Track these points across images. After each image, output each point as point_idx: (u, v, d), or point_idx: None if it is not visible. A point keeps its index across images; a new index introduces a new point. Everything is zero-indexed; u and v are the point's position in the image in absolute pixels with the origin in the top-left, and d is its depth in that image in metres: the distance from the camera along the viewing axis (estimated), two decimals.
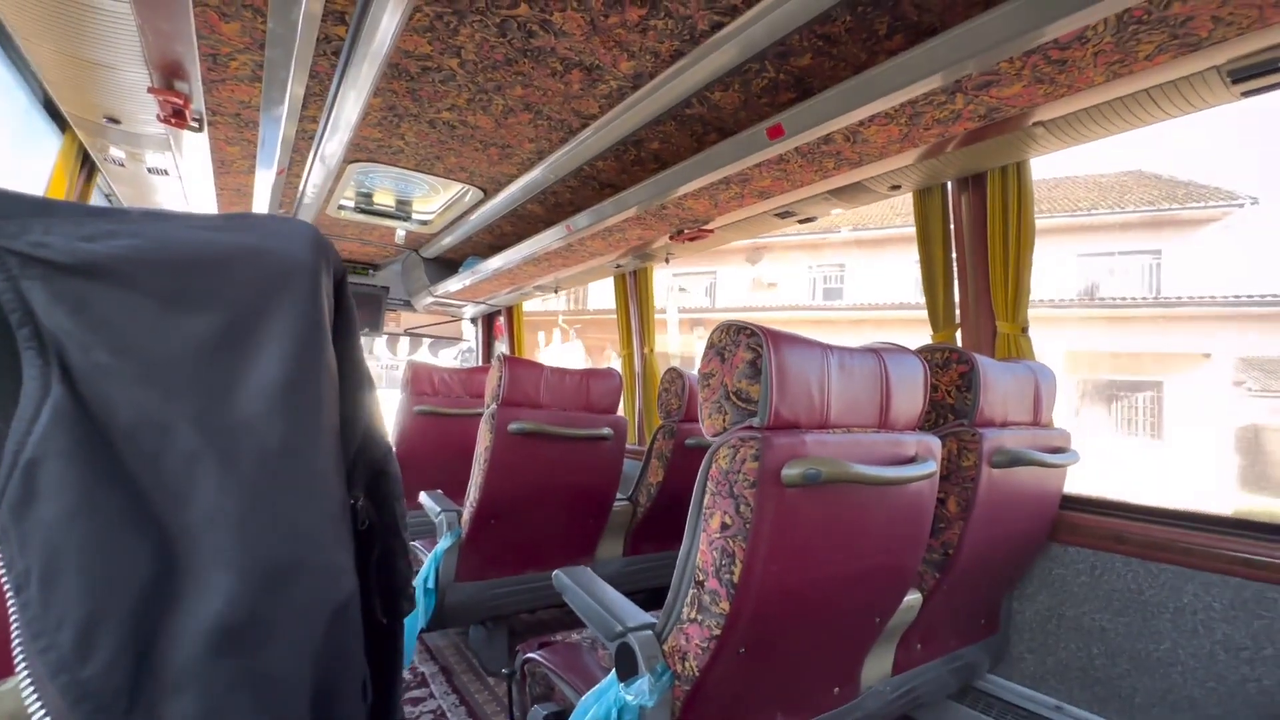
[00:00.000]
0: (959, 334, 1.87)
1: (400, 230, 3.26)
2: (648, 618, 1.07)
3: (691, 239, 2.42)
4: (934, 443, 1.16)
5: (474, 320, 4.85)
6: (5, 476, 0.27)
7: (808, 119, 1.46)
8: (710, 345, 1.02)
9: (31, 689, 0.26)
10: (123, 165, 1.92)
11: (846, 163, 1.68)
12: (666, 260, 2.89)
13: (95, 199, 2.26)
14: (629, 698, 0.98)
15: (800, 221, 2.22)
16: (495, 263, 3.17)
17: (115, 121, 1.60)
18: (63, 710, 0.26)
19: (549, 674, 1.29)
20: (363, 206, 3.07)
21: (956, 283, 1.87)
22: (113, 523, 0.29)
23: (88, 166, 2.01)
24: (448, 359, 5.21)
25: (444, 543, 1.92)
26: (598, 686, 1.05)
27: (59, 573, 0.27)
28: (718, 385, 1.00)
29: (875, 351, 1.12)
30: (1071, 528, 1.58)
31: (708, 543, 0.96)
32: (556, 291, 3.71)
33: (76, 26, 1.18)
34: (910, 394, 1.14)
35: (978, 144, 1.57)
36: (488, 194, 2.65)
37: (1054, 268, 11.38)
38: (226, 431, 0.32)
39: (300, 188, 2.49)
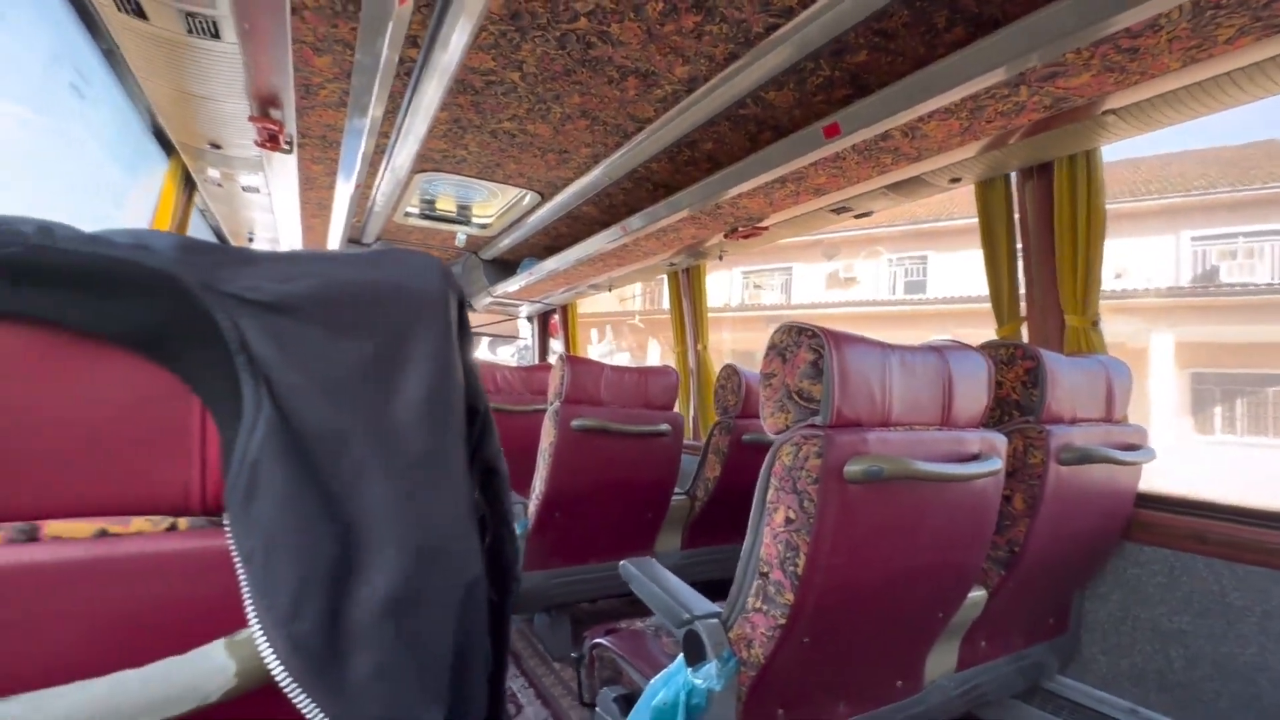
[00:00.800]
0: (1024, 328, 1.83)
1: (461, 234, 3.40)
2: (713, 607, 1.12)
3: (745, 236, 2.44)
4: (998, 439, 1.16)
5: (530, 318, 5.00)
6: (236, 474, 0.35)
7: (865, 117, 1.46)
8: (771, 346, 1.06)
9: (263, 637, 0.34)
10: (219, 185, 2.10)
11: (905, 158, 1.67)
12: (720, 257, 2.91)
13: (194, 215, 2.47)
14: (697, 681, 1.03)
15: (856, 216, 2.21)
16: (551, 264, 3.27)
17: (216, 147, 1.76)
18: (285, 654, 0.34)
19: (617, 659, 1.35)
20: (427, 213, 3.22)
21: (1022, 276, 1.82)
22: (310, 512, 0.36)
23: (189, 186, 2.20)
24: (506, 356, 5.39)
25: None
26: (666, 670, 1.11)
27: (276, 549, 0.34)
28: (779, 385, 1.03)
29: (937, 349, 1.13)
30: (1147, 526, 1.53)
31: (771, 536, 1.00)
32: (610, 289, 3.79)
33: (188, 65, 1.31)
34: (973, 391, 1.14)
35: (1043, 134, 1.54)
36: (544, 197, 2.74)
37: (1163, 252, 10.58)
38: (384, 439, 0.39)
39: (372, 198, 2.65)
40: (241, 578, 0.34)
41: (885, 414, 1.02)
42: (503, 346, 5.81)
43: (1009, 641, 1.48)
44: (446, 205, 3.22)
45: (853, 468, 0.94)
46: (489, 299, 4.24)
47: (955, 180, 1.82)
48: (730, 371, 2.19)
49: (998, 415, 1.35)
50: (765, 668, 1.02)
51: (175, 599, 0.36)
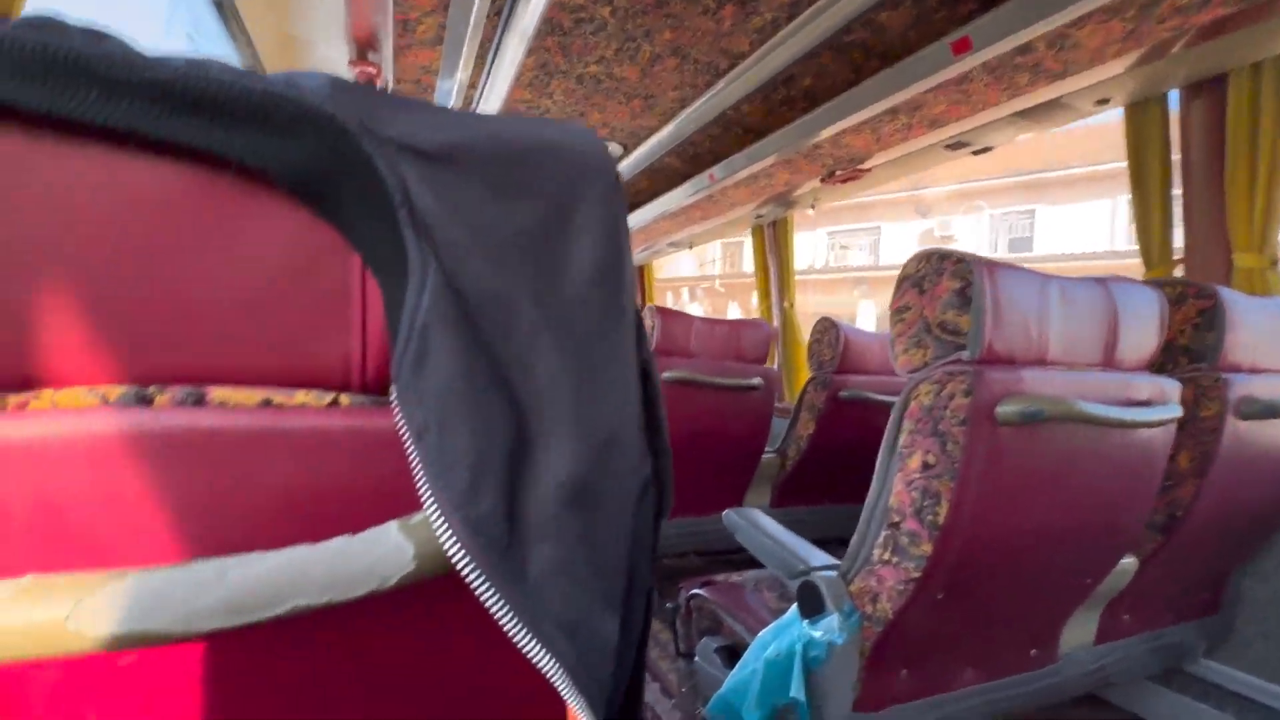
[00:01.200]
0: (1180, 271, 1.60)
1: None
2: (831, 559, 1.05)
3: (844, 180, 2.28)
4: (1171, 386, 1.01)
5: None
6: (405, 339, 0.30)
7: (1004, 25, 1.28)
8: (905, 277, 0.95)
9: (440, 519, 0.30)
10: None
11: (1045, 75, 1.47)
12: (812, 207, 2.75)
13: None
14: (816, 634, 0.97)
15: (975, 153, 2.00)
16: (630, 221, 3.21)
17: None
18: (465, 538, 0.30)
19: (716, 609, 1.32)
20: None
21: (1178, 213, 1.59)
22: (485, 384, 0.31)
23: None
24: None
25: None
26: (778, 622, 1.06)
27: (450, 424, 0.30)
28: (914, 319, 0.93)
29: (1101, 281, 0.98)
30: None
31: (905, 483, 0.91)
32: (690, 246, 3.69)
33: (292, 6, 1.32)
34: (1142, 330, 1.00)
35: (1219, 38, 1.31)
36: (627, 149, 2.66)
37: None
38: (555, 310, 0.34)
39: None
40: (413, 456, 0.31)
41: (1041, 350, 0.90)
42: None
43: (1154, 617, 1.33)
44: None
45: (1007, 408, 0.84)
46: None
47: (1102, 102, 1.60)
48: (827, 324, 2.07)
49: (1161, 363, 1.19)
50: (893, 624, 0.95)
51: (344, 477, 0.32)
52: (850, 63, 1.76)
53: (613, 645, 0.35)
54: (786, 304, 3.11)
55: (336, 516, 0.32)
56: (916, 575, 0.90)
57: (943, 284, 0.89)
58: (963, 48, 1.37)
